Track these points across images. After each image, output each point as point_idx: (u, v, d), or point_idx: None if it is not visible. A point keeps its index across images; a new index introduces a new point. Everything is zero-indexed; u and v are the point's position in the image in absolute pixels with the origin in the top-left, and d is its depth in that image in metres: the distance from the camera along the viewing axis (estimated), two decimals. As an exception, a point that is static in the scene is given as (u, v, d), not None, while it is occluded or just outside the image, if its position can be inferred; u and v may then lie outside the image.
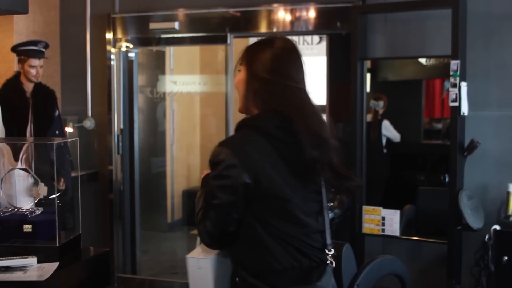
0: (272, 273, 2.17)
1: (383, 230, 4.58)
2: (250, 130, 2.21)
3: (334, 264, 2.31)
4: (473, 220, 4.23)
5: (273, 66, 2.21)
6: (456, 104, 4.20)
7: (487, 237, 4.04)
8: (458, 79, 4.18)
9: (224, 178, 2.14)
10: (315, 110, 2.26)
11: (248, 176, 2.11)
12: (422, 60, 4.90)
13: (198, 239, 2.35)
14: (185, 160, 7.92)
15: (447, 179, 4.69)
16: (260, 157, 2.14)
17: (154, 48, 6.47)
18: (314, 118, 2.22)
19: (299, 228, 2.21)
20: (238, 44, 5.67)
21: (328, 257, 2.29)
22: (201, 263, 2.34)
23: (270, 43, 2.26)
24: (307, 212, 2.26)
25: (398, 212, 4.55)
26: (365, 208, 4.64)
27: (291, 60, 2.25)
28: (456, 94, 4.19)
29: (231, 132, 5.54)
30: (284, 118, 2.18)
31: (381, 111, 5.05)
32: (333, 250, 2.32)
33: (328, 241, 2.32)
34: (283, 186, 2.15)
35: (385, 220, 4.56)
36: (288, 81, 2.21)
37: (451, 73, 4.19)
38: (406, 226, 4.66)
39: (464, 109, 4.24)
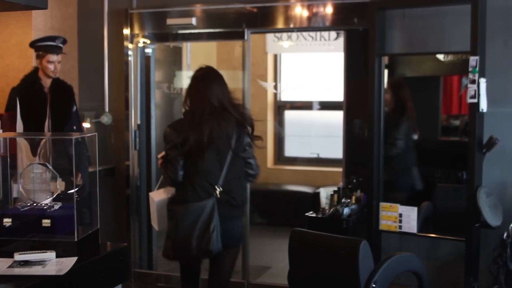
0: (180, 201, 3.88)
1: (400, 227, 4.55)
2: (182, 118, 4.04)
3: (219, 195, 3.82)
4: (492, 217, 4.20)
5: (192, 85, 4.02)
6: (475, 100, 4.17)
7: (505, 234, 4.01)
8: (477, 75, 4.15)
9: (170, 142, 3.87)
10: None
11: (179, 139, 3.83)
12: (440, 56, 4.87)
13: (159, 183, 4.20)
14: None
15: (464, 176, 4.66)
16: (184, 130, 3.84)
17: (171, 44, 6.47)
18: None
19: (203, 174, 3.83)
20: (255, 40, 5.67)
21: (216, 192, 3.82)
22: (151, 198, 4.13)
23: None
24: (210, 165, 3.84)
25: (415, 209, 4.52)
26: (382, 204, 4.62)
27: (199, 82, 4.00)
28: (475, 90, 4.16)
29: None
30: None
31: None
32: (221, 188, 3.84)
33: (219, 183, 3.84)
34: (196, 148, 3.82)
35: (402, 217, 4.54)
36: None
37: (470, 69, 4.16)
38: (423, 223, 4.63)
39: (483, 106, 4.20)
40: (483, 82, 4.19)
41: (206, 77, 3.97)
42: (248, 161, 4.00)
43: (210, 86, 3.90)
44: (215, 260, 4.00)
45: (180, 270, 4.13)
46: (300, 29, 6.27)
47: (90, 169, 4.81)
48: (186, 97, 3.98)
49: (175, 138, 3.83)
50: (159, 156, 4.00)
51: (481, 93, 4.17)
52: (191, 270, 4.09)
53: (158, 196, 4.07)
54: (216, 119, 3.84)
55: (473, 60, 4.15)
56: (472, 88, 4.17)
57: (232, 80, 5.84)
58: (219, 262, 3.99)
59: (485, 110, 4.23)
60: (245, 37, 5.37)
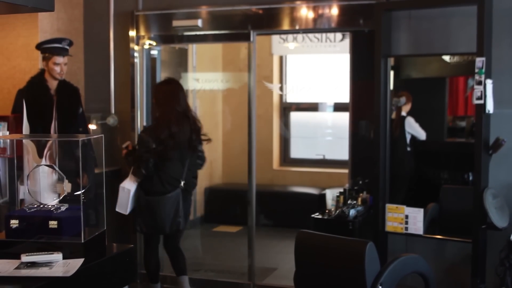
0: (150, 191, 4.75)
1: (406, 228, 4.55)
2: (153, 124, 4.90)
3: (183, 187, 4.75)
4: (498, 219, 4.20)
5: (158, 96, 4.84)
6: (481, 101, 4.16)
7: (512, 236, 4.00)
8: (483, 76, 4.14)
9: (144, 146, 4.67)
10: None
11: (152, 144, 4.63)
12: (446, 58, 4.86)
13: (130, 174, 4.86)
14: (208, 157, 7.91)
15: (471, 178, 4.65)
16: (155, 136, 4.67)
17: (177, 46, 6.48)
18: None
19: (170, 171, 4.72)
20: (260, 42, 5.67)
21: (181, 184, 4.74)
22: (124, 189, 4.84)
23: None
24: (176, 164, 4.73)
25: (421, 210, 4.52)
26: (389, 206, 4.61)
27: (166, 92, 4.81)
28: (481, 91, 4.15)
29: (254, 128, 5.54)
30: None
31: (404, 108, 5.02)
32: (183, 181, 4.75)
33: (182, 178, 4.76)
34: (166, 149, 4.66)
35: (409, 219, 4.53)
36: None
37: (476, 70, 4.15)
38: (430, 224, 4.62)
39: (489, 107, 4.20)
40: (489, 83, 4.18)
41: (175, 89, 4.83)
42: (199, 154, 4.95)
43: (177, 97, 4.77)
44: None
45: (144, 239, 5.15)
46: (306, 31, 6.27)
47: (97, 171, 4.81)
48: (156, 106, 4.84)
49: (149, 143, 4.68)
50: (124, 146, 4.95)
51: (487, 94, 4.17)
52: (155, 238, 5.04)
53: (129, 186, 4.84)
54: (181, 125, 4.73)
55: (480, 61, 4.14)
56: (478, 89, 4.16)
57: (238, 82, 5.85)
58: (177, 232, 4.97)
59: (491, 111, 4.22)
60: (251, 38, 5.38)
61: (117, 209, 4.89)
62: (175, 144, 4.68)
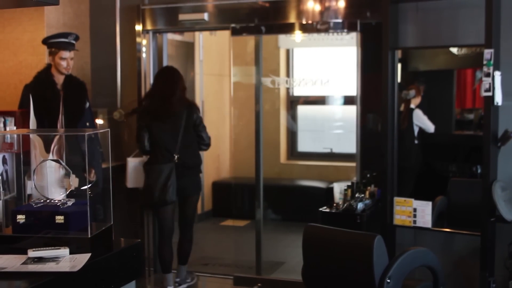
0: (149, 163, 5.25)
1: (414, 221, 4.53)
2: (144, 104, 5.35)
3: (176, 161, 5.16)
4: (507, 211, 4.18)
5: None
6: (490, 94, 4.14)
7: (521, 229, 3.98)
8: (491, 68, 4.11)
9: (140, 128, 5.23)
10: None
11: (145, 122, 5.20)
12: (454, 50, 4.84)
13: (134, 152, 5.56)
14: (215, 152, 7.93)
15: (479, 170, 4.63)
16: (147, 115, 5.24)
17: (184, 40, 6.48)
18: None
19: (163, 145, 5.17)
20: (267, 35, 5.66)
21: (174, 158, 5.16)
22: (128, 162, 5.53)
23: None
24: (169, 139, 5.17)
25: (429, 203, 4.50)
26: (397, 199, 4.60)
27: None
28: (490, 83, 4.12)
29: (261, 123, 5.54)
30: None
31: (413, 101, 5.00)
32: (176, 155, 5.16)
33: (176, 152, 5.16)
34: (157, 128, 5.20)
35: (417, 212, 4.51)
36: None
37: (485, 62, 4.13)
38: (438, 217, 4.61)
39: (498, 99, 4.17)
40: (497, 75, 4.16)
41: (163, 73, 5.34)
42: (199, 134, 5.29)
43: (164, 79, 5.24)
44: (181, 207, 5.37)
45: (158, 229, 5.42)
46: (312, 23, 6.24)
47: (103, 165, 4.82)
48: (153, 89, 5.33)
49: (142, 122, 5.23)
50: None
51: (495, 86, 4.14)
52: (169, 229, 5.36)
53: (133, 161, 5.53)
54: (170, 105, 5.16)
55: (488, 53, 4.12)
56: (486, 81, 4.14)
57: (245, 75, 5.84)
58: (184, 208, 5.37)
59: (500, 103, 4.19)
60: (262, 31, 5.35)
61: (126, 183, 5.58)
62: (162, 124, 5.19)
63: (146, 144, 5.22)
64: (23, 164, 2.77)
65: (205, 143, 5.36)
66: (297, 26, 5.25)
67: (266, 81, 5.74)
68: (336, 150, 7.86)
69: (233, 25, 5.41)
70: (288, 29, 5.33)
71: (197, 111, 5.32)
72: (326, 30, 5.19)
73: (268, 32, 5.44)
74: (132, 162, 5.55)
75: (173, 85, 5.19)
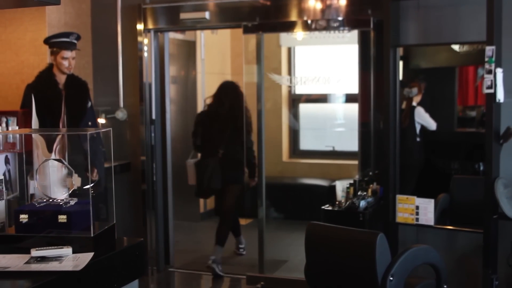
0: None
1: (417, 219, 4.53)
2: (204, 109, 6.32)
3: (220, 156, 5.94)
4: (509, 208, 4.17)
5: None
6: (492, 91, 4.13)
7: (524, 226, 3.98)
8: (493, 65, 4.11)
9: (195, 124, 6.07)
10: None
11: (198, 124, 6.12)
12: (455, 47, 4.83)
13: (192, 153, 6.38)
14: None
15: (481, 168, 4.63)
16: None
17: (185, 39, 6.48)
18: None
19: (211, 142, 6.00)
20: (268, 33, 5.66)
21: (218, 153, 5.95)
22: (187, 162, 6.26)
23: None
24: (216, 138, 5.94)
25: (432, 201, 4.50)
26: (399, 197, 4.60)
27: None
28: (492, 80, 4.12)
29: (263, 121, 5.54)
30: None
31: (415, 98, 4.99)
32: (222, 151, 5.92)
33: (221, 148, 5.92)
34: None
35: (419, 209, 4.51)
36: None
37: (486, 59, 4.12)
38: (440, 215, 4.61)
39: (500, 96, 4.17)
40: (499, 72, 4.15)
41: (222, 88, 6.10)
42: (247, 138, 5.82)
43: (223, 94, 6.05)
44: (221, 194, 6.03)
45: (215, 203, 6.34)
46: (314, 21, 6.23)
47: (106, 165, 4.82)
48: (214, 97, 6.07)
49: (196, 123, 6.13)
50: None
51: (497, 83, 4.14)
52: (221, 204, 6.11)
53: (190, 161, 6.23)
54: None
55: (490, 50, 4.11)
56: (488, 78, 4.13)
57: (246, 74, 5.84)
58: (225, 195, 5.99)
59: (502, 100, 4.19)
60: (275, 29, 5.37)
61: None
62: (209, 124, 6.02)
63: (198, 143, 6.09)
64: (26, 164, 2.77)
65: (250, 145, 5.87)
66: (316, 23, 5.22)
67: (268, 79, 5.76)
68: (338, 148, 7.85)
69: (244, 23, 5.40)
70: (305, 27, 5.29)
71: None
72: (336, 28, 5.18)
73: (281, 30, 5.46)
74: (189, 161, 6.27)
75: (233, 101, 6.00)
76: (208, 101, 6.16)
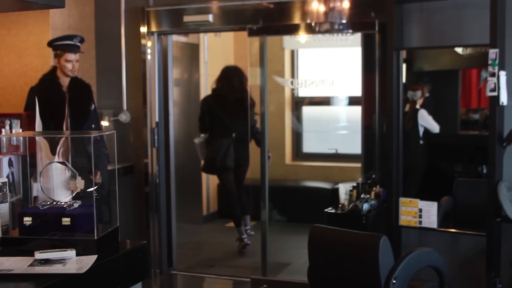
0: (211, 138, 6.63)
1: (420, 222, 4.53)
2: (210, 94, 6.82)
3: (234, 137, 6.52)
4: (513, 211, 4.16)
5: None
6: (495, 93, 4.13)
7: (527, 229, 3.97)
8: (497, 68, 4.11)
9: (202, 109, 6.67)
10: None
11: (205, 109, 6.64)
12: (459, 50, 4.83)
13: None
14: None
15: (484, 170, 4.62)
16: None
17: (188, 41, 6.49)
18: None
19: (224, 124, 6.53)
20: (272, 36, 5.65)
21: (233, 135, 6.52)
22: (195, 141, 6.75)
23: None
24: (228, 121, 6.49)
25: (435, 204, 4.49)
26: (402, 200, 4.60)
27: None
28: (495, 83, 4.12)
29: (266, 123, 5.54)
30: None
31: (419, 101, 4.99)
32: (234, 133, 6.51)
33: (233, 130, 6.51)
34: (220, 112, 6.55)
35: (422, 212, 4.51)
36: None
37: (490, 62, 4.12)
38: (444, 218, 4.60)
39: (503, 99, 4.16)
40: (503, 75, 4.15)
41: (229, 71, 6.57)
42: (253, 123, 6.29)
43: (229, 77, 6.50)
44: (235, 173, 6.60)
45: (224, 193, 6.97)
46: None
47: (109, 167, 4.83)
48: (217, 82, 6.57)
49: (204, 106, 6.66)
50: None
51: (501, 86, 4.13)
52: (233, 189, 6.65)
53: (197, 140, 6.69)
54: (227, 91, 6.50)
55: (493, 52, 4.11)
56: (492, 81, 4.13)
57: (250, 76, 5.84)
58: (238, 173, 6.64)
59: (505, 103, 4.18)
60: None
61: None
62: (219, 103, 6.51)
63: (207, 125, 6.60)
64: (29, 166, 2.77)
65: (256, 131, 6.28)
66: (320, 26, 5.22)
67: (272, 82, 5.77)
68: (341, 150, 7.86)
69: (249, 25, 5.40)
70: (311, 30, 5.29)
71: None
72: (340, 31, 5.18)
73: (286, 33, 5.47)
74: (197, 139, 6.72)
75: (238, 84, 6.47)
76: (213, 85, 6.56)
